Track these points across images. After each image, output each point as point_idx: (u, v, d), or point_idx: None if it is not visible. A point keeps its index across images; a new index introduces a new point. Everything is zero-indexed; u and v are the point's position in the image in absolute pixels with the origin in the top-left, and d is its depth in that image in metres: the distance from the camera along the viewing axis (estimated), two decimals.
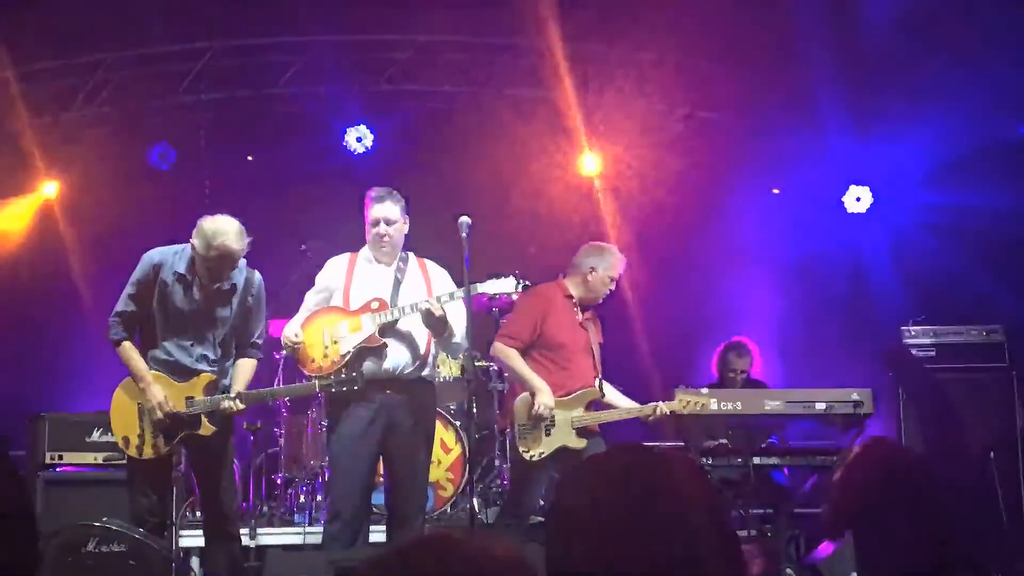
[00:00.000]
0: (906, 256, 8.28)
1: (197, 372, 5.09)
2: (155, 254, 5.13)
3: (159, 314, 5.09)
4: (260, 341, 5.35)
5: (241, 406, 5.07)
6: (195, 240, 4.96)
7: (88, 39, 7.82)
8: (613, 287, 6.04)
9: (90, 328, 5.58)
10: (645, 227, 8.61)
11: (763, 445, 6.71)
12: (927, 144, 7.78)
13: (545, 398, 5.67)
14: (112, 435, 5.22)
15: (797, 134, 8.52)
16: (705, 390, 6.02)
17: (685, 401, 5.88)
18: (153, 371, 5.08)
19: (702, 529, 1.53)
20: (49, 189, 8.54)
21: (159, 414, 4.97)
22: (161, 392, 5.00)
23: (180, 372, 5.09)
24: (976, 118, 7.53)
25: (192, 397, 5.05)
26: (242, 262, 5.14)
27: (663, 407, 5.85)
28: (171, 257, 5.10)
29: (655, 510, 1.52)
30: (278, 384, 7.57)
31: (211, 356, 5.14)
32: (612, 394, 6.02)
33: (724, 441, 6.73)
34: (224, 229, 4.94)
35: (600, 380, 5.96)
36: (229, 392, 5.12)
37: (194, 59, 8.25)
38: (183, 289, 5.07)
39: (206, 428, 5.05)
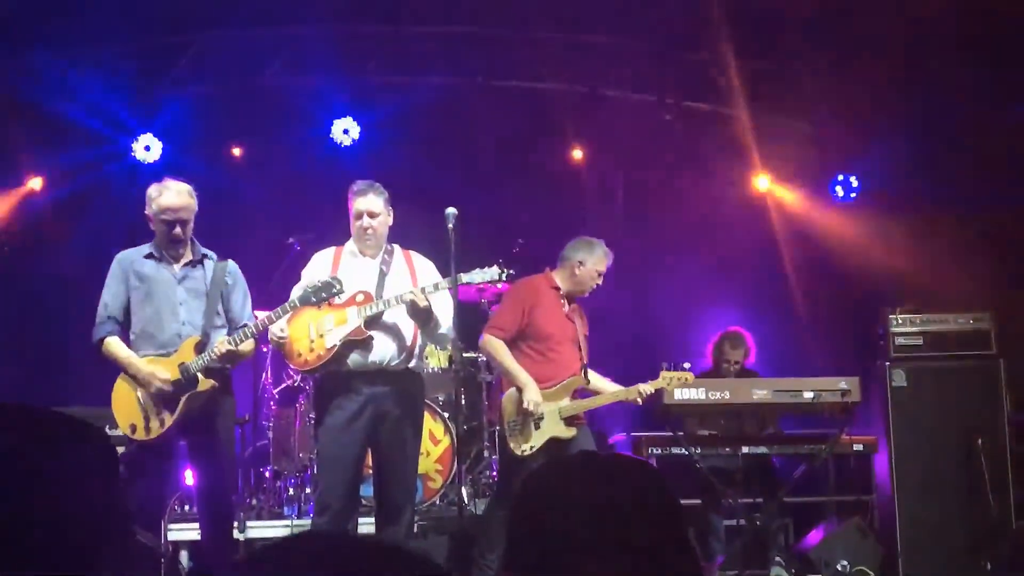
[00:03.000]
0: (891, 244, 8.29)
1: (183, 337, 5.16)
2: (120, 254, 5.37)
3: (136, 295, 5.22)
4: (251, 323, 5.35)
5: (228, 347, 5.09)
6: (147, 209, 5.23)
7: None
8: (600, 281, 6.05)
9: (80, 323, 5.56)
10: (632, 218, 8.62)
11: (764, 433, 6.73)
12: (912, 132, 7.80)
13: (532, 394, 5.67)
14: (116, 428, 5.24)
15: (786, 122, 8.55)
16: (687, 364, 6.05)
17: (668, 378, 5.96)
18: (145, 355, 5.15)
19: (659, 537, 1.56)
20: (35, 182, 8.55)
21: (153, 389, 5.04)
22: (149, 367, 5.09)
23: (167, 344, 5.17)
24: (959, 107, 7.56)
25: (184, 362, 5.11)
26: (212, 255, 5.34)
27: (646, 387, 5.92)
28: (135, 251, 5.34)
29: (613, 519, 1.56)
30: (266, 377, 7.60)
31: (199, 319, 5.21)
32: (597, 380, 6.05)
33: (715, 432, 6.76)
34: (169, 187, 5.21)
35: (585, 368, 5.97)
36: None
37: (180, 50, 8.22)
38: (154, 265, 5.26)
39: (204, 383, 5.10)
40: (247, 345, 5.25)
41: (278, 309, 5.21)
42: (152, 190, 5.24)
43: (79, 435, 1.53)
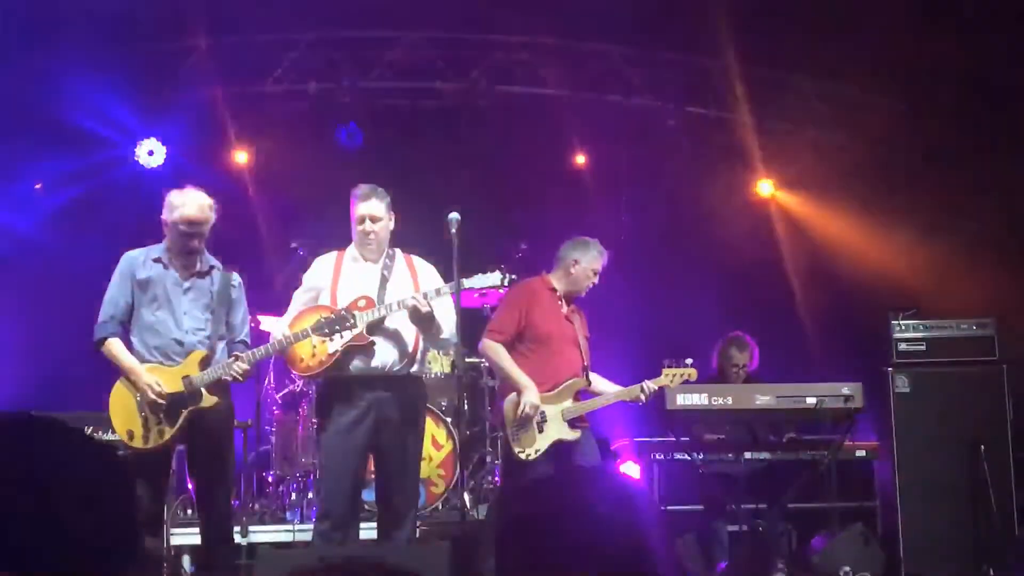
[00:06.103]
0: (894, 249, 8.28)
1: (188, 349, 5.14)
2: (128, 253, 5.32)
3: (142, 298, 5.19)
4: (248, 340, 5.38)
5: (245, 366, 5.11)
6: (165, 215, 5.18)
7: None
8: (596, 280, 6.05)
9: (79, 326, 5.56)
10: (634, 223, 8.61)
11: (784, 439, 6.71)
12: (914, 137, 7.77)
13: (531, 397, 5.66)
14: (114, 433, 5.22)
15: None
16: (689, 360, 6.04)
17: (671, 375, 5.94)
18: (147, 363, 5.12)
19: (638, 549, 1.59)
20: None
21: (151, 396, 5.01)
22: (153, 377, 5.06)
23: (172, 351, 5.15)
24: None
25: (188, 376, 5.10)
26: (219, 264, 5.33)
27: (649, 384, 5.90)
28: (143, 252, 5.29)
29: (596, 530, 1.60)
30: (269, 381, 7.60)
31: (203, 329, 5.21)
32: (598, 381, 6.04)
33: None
34: (192, 199, 5.16)
35: (586, 369, 5.97)
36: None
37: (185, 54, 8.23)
38: (162, 269, 5.22)
39: (208, 400, 5.09)
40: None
41: (290, 336, 5.19)
42: (174, 197, 5.17)
43: (83, 444, 1.54)
